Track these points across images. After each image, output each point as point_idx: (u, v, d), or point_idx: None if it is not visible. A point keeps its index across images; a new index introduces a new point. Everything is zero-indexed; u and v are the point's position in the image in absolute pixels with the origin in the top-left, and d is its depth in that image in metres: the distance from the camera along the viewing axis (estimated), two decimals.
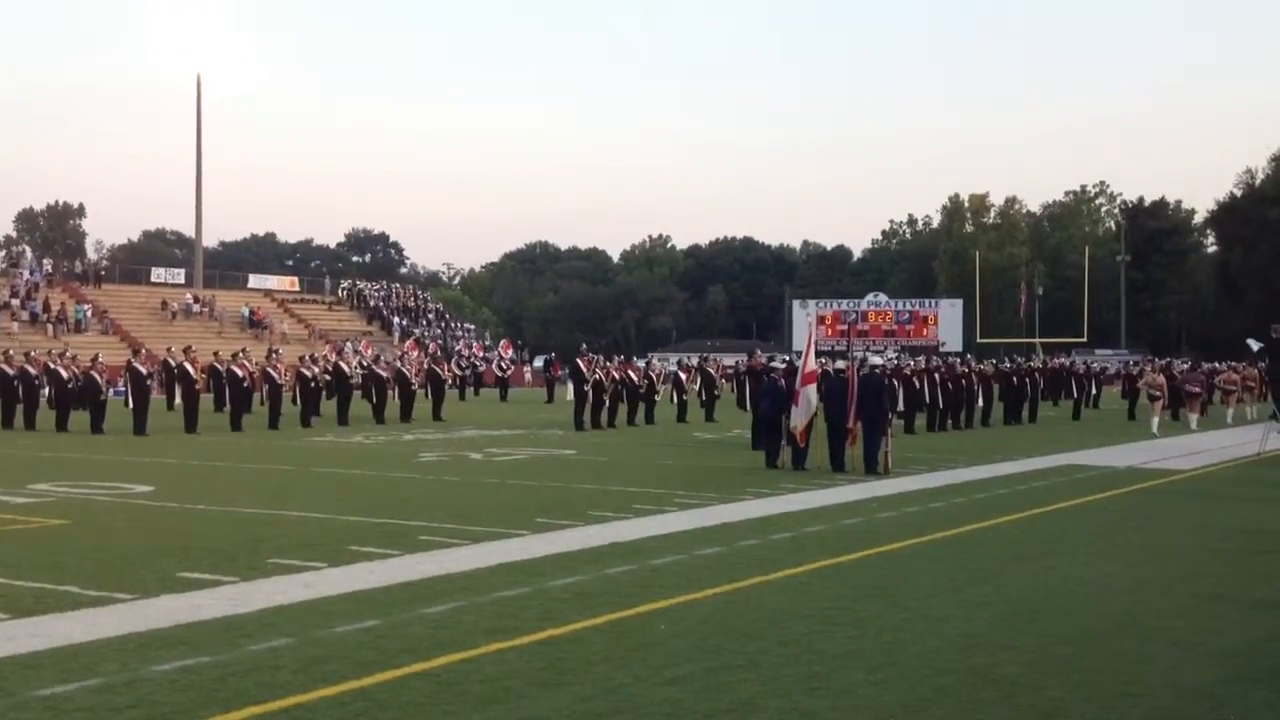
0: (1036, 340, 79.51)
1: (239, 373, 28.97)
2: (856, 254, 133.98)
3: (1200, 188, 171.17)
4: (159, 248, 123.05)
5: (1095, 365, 48.04)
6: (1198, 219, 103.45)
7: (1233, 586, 9.64)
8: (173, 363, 32.14)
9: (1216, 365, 45.21)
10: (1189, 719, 6.02)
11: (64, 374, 28.52)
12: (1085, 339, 76.47)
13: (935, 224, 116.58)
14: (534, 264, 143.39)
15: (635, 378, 31.37)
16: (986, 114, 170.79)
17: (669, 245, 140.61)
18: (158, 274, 70.82)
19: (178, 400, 30.52)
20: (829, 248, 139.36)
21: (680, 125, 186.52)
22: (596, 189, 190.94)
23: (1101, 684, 6.58)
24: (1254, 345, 25.63)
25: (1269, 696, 6.38)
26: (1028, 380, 34.10)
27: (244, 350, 32.46)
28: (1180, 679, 6.71)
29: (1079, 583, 9.73)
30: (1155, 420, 29.52)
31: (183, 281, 69.50)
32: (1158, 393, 30.19)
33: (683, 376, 35.63)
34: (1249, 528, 13.13)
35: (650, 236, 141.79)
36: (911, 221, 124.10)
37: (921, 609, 8.55)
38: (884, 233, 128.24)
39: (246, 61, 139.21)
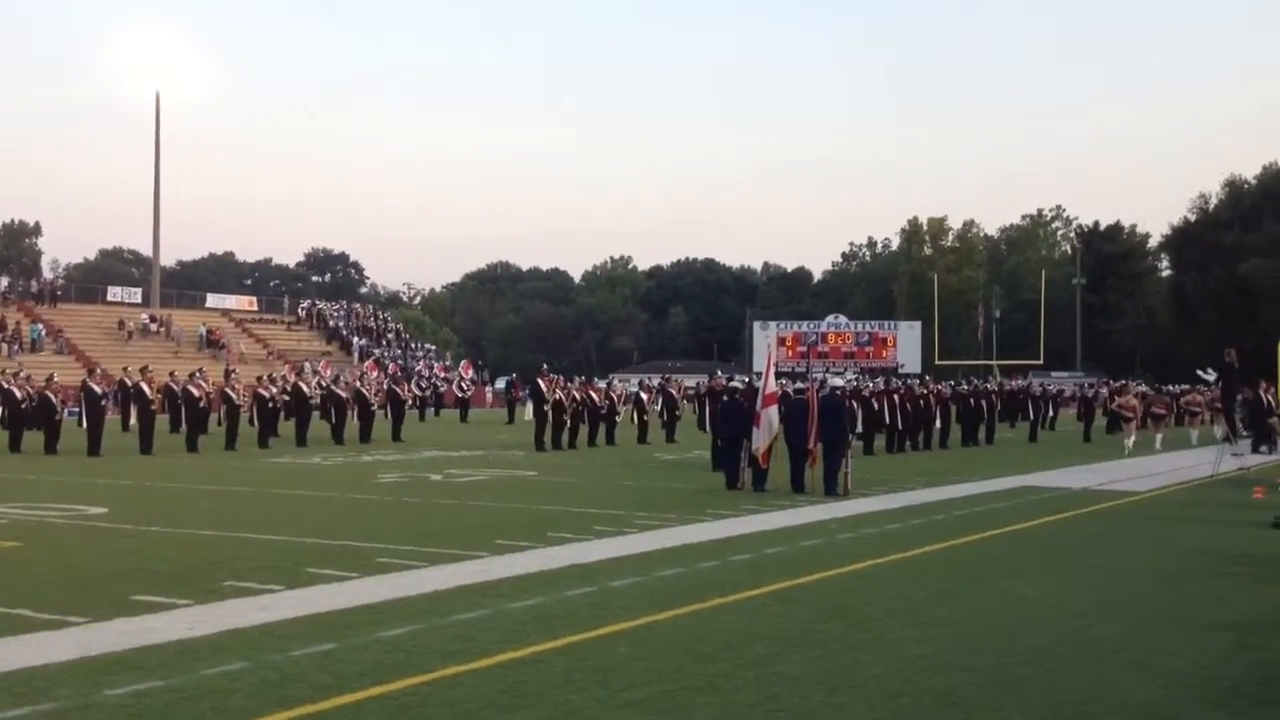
0: (994, 362, 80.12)
1: (195, 393, 28.72)
2: (817, 276, 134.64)
3: (1154, 212, 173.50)
4: (116, 267, 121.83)
5: (1051, 387, 48.40)
6: (1152, 243, 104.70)
7: (1187, 608, 9.73)
8: (128, 383, 31.84)
9: (1169, 388, 45.74)
10: None
11: (18, 394, 28.16)
12: (1042, 361, 77.13)
13: (894, 247, 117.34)
14: (495, 284, 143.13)
15: (596, 398, 31.36)
16: (944, 138, 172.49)
17: (630, 266, 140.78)
18: (114, 293, 70.21)
19: (133, 421, 30.23)
20: (789, 269, 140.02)
21: (641, 146, 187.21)
22: (558, 210, 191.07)
23: (1058, 705, 6.62)
24: (1208, 375, 25.99)
25: (1223, 718, 6.45)
26: (985, 402, 34.34)
27: (200, 370, 32.21)
28: (1135, 700, 6.76)
29: (1035, 604, 9.80)
30: (1129, 440, 30.42)
31: (139, 301, 68.94)
32: (1130, 414, 30.95)
33: (644, 397, 35.63)
34: (1203, 549, 13.27)
35: (611, 257, 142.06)
36: (871, 244, 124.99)
37: (880, 630, 8.59)
38: (844, 255, 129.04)
39: (206, 80, 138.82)
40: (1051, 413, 42.18)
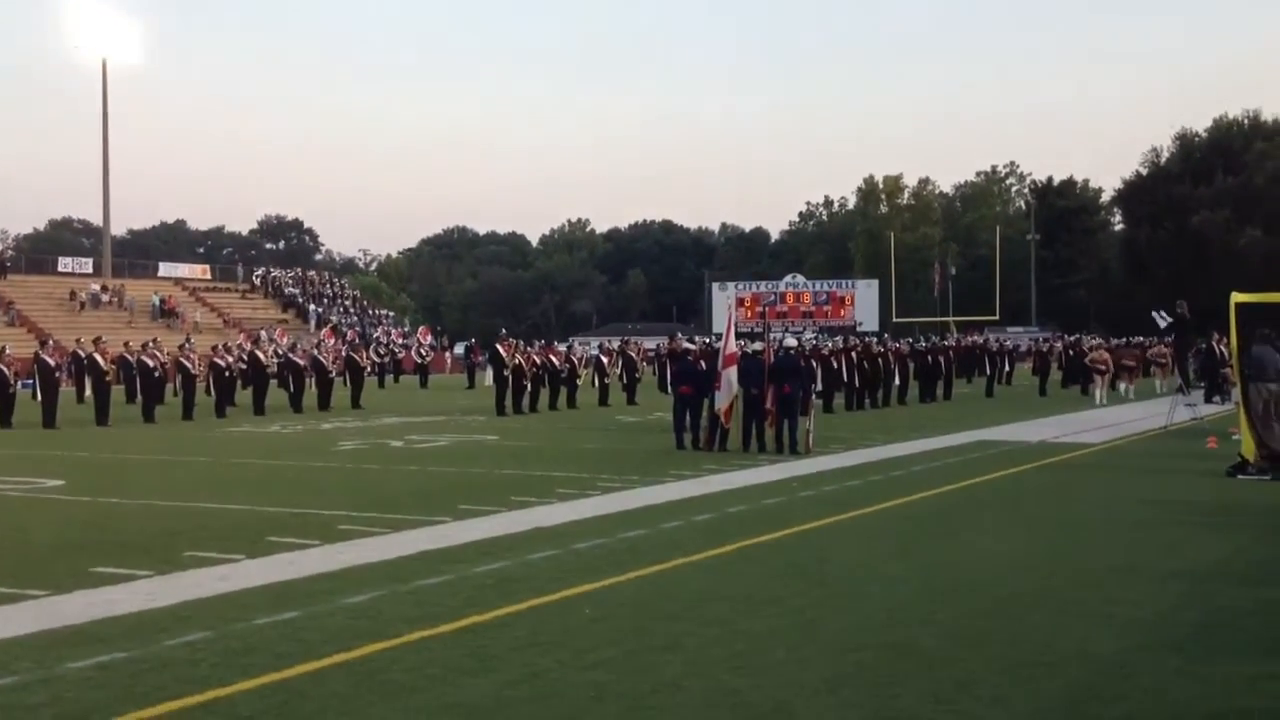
0: (950, 319, 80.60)
1: (150, 363, 28.44)
2: (774, 236, 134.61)
3: (1107, 167, 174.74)
4: (66, 237, 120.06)
5: (1007, 342, 48.74)
6: (1105, 198, 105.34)
7: (1143, 558, 9.87)
8: (82, 354, 31.46)
9: (1136, 340, 46.19)
10: (1102, 688, 6.16)
11: None
12: (997, 317, 77.61)
13: (851, 205, 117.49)
14: (452, 249, 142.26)
15: (556, 362, 31.33)
16: (899, 97, 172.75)
17: (588, 229, 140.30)
18: (65, 263, 69.21)
19: (88, 392, 29.91)
20: (747, 230, 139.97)
21: (598, 108, 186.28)
22: (514, 173, 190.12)
23: (1017, 655, 6.71)
24: (1161, 320, 26.22)
25: (1180, 665, 6.55)
26: (942, 358, 34.58)
27: (155, 340, 31.87)
28: (1093, 649, 6.86)
29: (994, 556, 9.91)
30: (1100, 392, 31.42)
31: (91, 271, 68.02)
32: (1102, 366, 32.10)
33: (604, 360, 35.63)
34: (1157, 499, 13.45)
35: (569, 220, 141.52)
36: (828, 203, 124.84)
37: (841, 586, 8.66)
38: (801, 214, 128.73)
39: (154, 46, 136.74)
40: (1008, 368, 42.53)
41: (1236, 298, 16.18)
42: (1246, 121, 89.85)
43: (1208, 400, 28.74)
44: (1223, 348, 29.43)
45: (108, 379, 27.62)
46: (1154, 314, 26.47)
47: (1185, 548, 10.36)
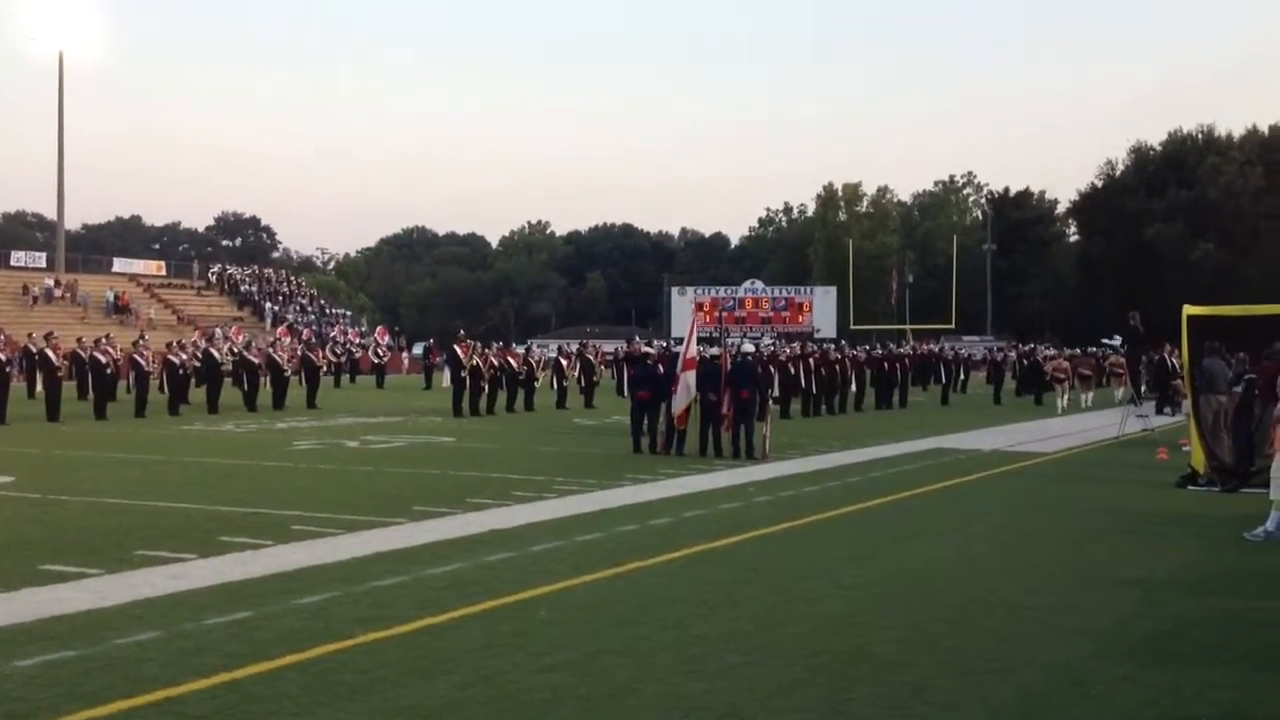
0: (907, 326, 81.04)
1: (103, 359, 28.13)
2: (734, 241, 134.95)
3: (1063, 179, 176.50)
4: (19, 231, 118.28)
5: (963, 351, 49.11)
6: (1060, 209, 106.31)
7: (1095, 566, 9.97)
8: (34, 349, 31.06)
9: (1094, 350, 46.62)
10: (1053, 695, 6.22)
11: None
12: (953, 325, 78.11)
13: (810, 212, 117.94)
14: (411, 249, 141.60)
15: (514, 364, 31.25)
16: (859, 105, 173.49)
17: (548, 231, 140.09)
18: (18, 258, 68.36)
19: (39, 388, 29.55)
20: (707, 235, 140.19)
21: (559, 110, 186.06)
22: (475, 174, 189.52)
23: (969, 661, 6.76)
24: (1114, 341, 26.55)
25: (1130, 673, 6.62)
26: (898, 366, 34.80)
27: (108, 336, 31.52)
28: (1045, 656, 6.92)
29: (948, 563, 9.98)
30: (1060, 401, 32.27)
31: (44, 265, 67.20)
32: (1062, 376, 33.04)
33: (563, 363, 35.58)
34: (1110, 508, 13.59)
35: (529, 222, 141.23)
36: (787, 209, 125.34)
37: (796, 591, 8.69)
38: (760, 220, 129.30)
39: (110, 38, 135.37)
40: (962, 376, 42.82)
41: (1189, 311, 16.38)
42: (1200, 136, 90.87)
43: (1159, 412, 29.07)
44: (1174, 359, 29.79)
45: (60, 375, 27.30)
46: (1103, 341, 26.86)
47: (1135, 557, 10.48)
